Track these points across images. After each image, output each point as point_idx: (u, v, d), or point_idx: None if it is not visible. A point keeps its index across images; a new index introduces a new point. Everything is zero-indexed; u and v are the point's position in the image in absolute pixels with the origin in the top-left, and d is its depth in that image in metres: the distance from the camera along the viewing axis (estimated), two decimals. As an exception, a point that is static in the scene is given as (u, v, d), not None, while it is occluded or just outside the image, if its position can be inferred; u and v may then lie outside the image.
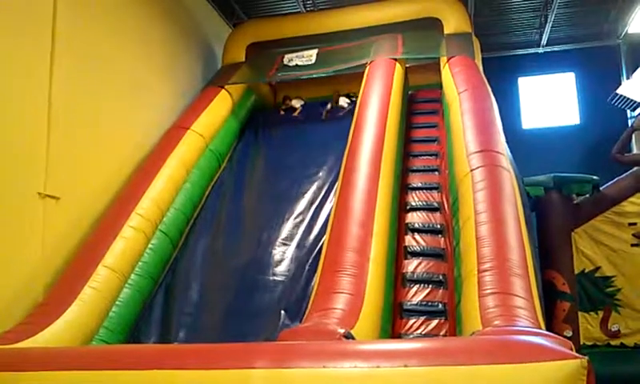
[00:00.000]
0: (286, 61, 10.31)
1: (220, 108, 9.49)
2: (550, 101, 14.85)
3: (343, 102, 10.54)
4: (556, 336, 3.56)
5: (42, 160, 6.50)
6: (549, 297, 9.03)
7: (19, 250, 6.14)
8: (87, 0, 7.55)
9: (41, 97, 6.60)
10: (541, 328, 4.70)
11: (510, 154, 7.53)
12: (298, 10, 12.16)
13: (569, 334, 9.15)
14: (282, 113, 10.78)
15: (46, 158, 6.54)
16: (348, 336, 4.42)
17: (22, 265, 6.16)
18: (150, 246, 7.17)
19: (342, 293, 5.39)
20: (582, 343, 9.19)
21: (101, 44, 7.79)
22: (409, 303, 6.56)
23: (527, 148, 12.45)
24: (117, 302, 6.48)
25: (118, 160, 7.95)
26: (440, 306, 6.47)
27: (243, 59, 10.80)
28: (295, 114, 10.55)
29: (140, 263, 6.96)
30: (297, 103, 10.73)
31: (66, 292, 6.09)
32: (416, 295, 6.62)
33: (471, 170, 6.71)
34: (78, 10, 7.30)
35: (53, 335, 5.49)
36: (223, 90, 9.78)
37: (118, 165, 7.93)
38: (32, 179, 6.37)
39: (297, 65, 10.19)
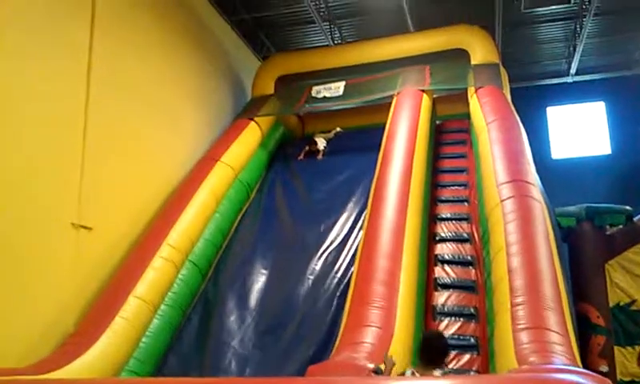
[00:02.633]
0: (314, 93, 10.42)
1: (249, 140, 9.60)
2: (580, 130, 14.67)
3: (321, 143, 10.48)
4: (594, 374, 3.46)
5: (75, 190, 6.62)
6: (583, 330, 8.78)
7: (52, 280, 6.23)
8: (122, 32, 7.76)
9: (75, 127, 6.75)
10: (577, 364, 4.59)
11: (540, 184, 7.44)
12: (326, 43, 12.31)
13: (605, 369, 8.88)
14: (302, 158, 10.46)
15: (79, 188, 6.67)
16: (377, 371, 4.36)
17: (54, 295, 6.24)
18: (179, 276, 7.22)
19: (371, 326, 5.34)
20: (618, 379, 8.90)
21: (134, 76, 7.97)
22: (439, 336, 6.45)
23: (557, 178, 12.28)
24: (147, 333, 6.51)
25: (149, 190, 8.07)
26: (472, 339, 6.37)
27: (272, 91, 10.95)
28: (319, 156, 10.35)
29: (170, 294, 7.00)
30: (320, 144, 10.50)
31: (97, 322, 6.14)
32: (447, 328, 6.53)
33: (501, 201, 6.64)
34: (112, 42, 7.49)
35: (83, 366, 5.53)
36: (252, 122, 9.91)
37: (149, 195, 8.04)
38: (65, 209, 6.49)
39: (325, 96, 10.28)
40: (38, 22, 6.31)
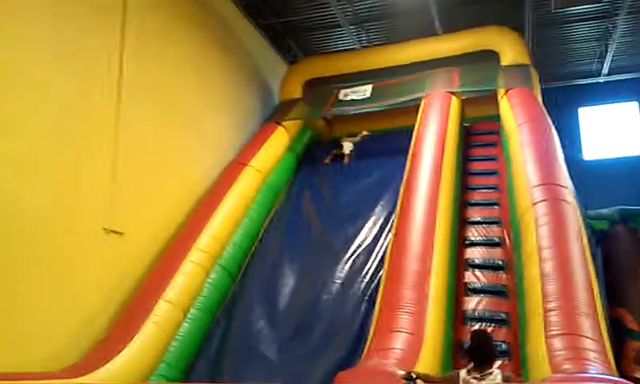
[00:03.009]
0: (341, 96, 10.42)
1: (277, 144, 9.64)
2: (613, 131, 14.37)
3: (347, 148, 10.50)
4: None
5: (107, 196, 6.73)
6: (617, 335, 8.59)
7: (83, 285, 6.32)
8: (151, 43, 7.87)
9: (106, 134, 6.86)
10: (612, 371, 4.49)
11: (572, 186, 7.30)
12: (354, 46, 12.28)
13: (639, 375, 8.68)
14: (328, 162, 10.52)
15: (111, 193, 6.77)
16: (408, 378, 4.31)
17: (86, 299, 6.34)
18: (209, 280, 7.28)
19: (400, 332, 5.30)
20: (654, 385, 8.69)
21: (163, 83, 8.08)
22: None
23: (589, 179, 11.98)
24: (177, 337, 6.57)
25: (179, 195, 8.15)
26: (503, 345, 6.25)
27: (300, 95, 10.99)
28: (344, 160, 10.35)
29: (200, 298, 7.06)
30: (347, 148, 10.54)
31: (127, 327, 6.21)
32: (478, 334, 6.40)
33: (533, 204, 6.53)
34: (143, 49, 7.60)
35: (114, 370, 5.60)
36: (280, 127, 9.95)
37: (179, 200, 8.12)
38: (98, 214, 6.58)
39: (352, 99, 10.27)
40: (71, 33, 6.44)
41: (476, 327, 6.55)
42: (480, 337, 4.74)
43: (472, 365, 4.37)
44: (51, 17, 6.17)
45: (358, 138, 10.76)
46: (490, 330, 6.41)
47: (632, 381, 7.98)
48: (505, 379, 4.28)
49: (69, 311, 6.07)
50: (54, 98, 6.14)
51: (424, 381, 4.37)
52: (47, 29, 6.12)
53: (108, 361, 5.64)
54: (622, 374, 4.93)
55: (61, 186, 6.12)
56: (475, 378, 4.24)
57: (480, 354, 4.41)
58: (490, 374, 4.26)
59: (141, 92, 7.47)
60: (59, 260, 5.99)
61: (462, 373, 4.38)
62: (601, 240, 9.28)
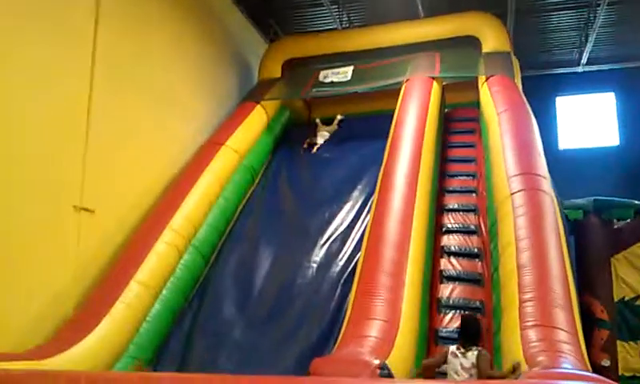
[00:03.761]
0: (321, 77, 10.27)
1: (255, 123, 9.48)
2: (589, 121, 14.49)
3: (321, 138, 10.30)
4: (605, 380, 3.36)
5: (78, 173, 6.54)
6: (586, 324, 8.70)
7: (52, 263, 6.16)
8: (126, 16, 7.62)
9: (79, 111, 6.66)
10: (585, 364, 4.51)
11: (549, 176, 7.31)
12: (335, 26, 12.11)
13: (607, 363, 8.83)
14: (305, 147, 10.26)
15: (82, 171, 6.58)
16: (383, 367, 4.28)
17: (54, 278, 6.18)
18: (182, 261, 7.15)
19: (376, 319, 5.25)
20: (620, 373, 8.85)
21: (139, 59, 7.85)
22: (444, 330, 6.38)
23: (563, 169, 12.08)
24: (147, 318, 6.44)
25: (152, 173, 7.97)
26: (477, 333, 6.24)
27: (279, 75, 10.79)
28: (314, 150, 10.11)
29: (172, 279, 6.93)
30: (320, 138, 10.31)
31: (97, 307, 6.07)
32: (452, 322, 6.42)
33: (512, 194, 6.52)
34: (117, 27, 7.36)
35: (83, 351, 5.47)
36: (259, 106, 9.78)
37: (152, 178, 7.94)
38: (68, 192, 6.40)
39: (332, 81, 10.13)
40: (41, 8, 6.20)
41: (450, 315, 6.57)
42: (468, 319, 5.28)
43: (460, 343, 4.98)
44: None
45: (334, 127, 10.55)
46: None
47: (599, 368, 8.16)
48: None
49: (36, 290, 5.91)
50: (23, 69, 5.91)
51: (423, 370, 5.19)
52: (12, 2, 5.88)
53: (77, 341, 5.51)
54: (590, 362, 4.97)
55: (30, 161, 5.92)
56: (461, 352, 4.86)
57: (466, 333, 4.98)
58: (472, 351, 4.84)
59: (116, 69, 7.26)
60: (27, 237, 5.81)
61: (452, 347, 4.98)
62: (574, 229, 9.38)
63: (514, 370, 4.48)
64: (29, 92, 5.96)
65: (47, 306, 6.01)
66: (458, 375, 4.75)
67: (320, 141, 10.22)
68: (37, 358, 5.00)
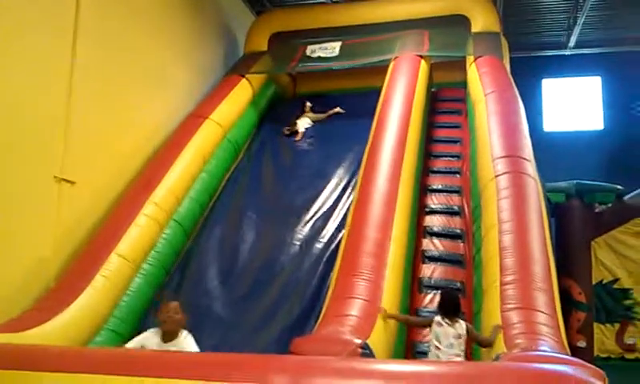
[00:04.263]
0: (308, 52, 10.14)
1: (240, 97, 9.35)
2: (574, 104, 14.54)
3: (302, 125, 9.76)
4: (586, 365, 3.39)
5: (59, 144, 6.42)
6: (564, 306, 8.81)
7: (32, 234, 6.07)
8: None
9: (61, 81, 6.51)
10: (564, 347, 4.56)
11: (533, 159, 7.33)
12: (323, 0, 11.94)
13: (583, 344, 9.00)
14: (286, 134, 9.80)
15: (63, 142, 6.46)
16: (364, 347, 4.29)
17: (34, 249, 6.09)
18: (163, 235, 7.07)
19: (357, 298, 5.25)
20: (595, 355, 9.01)
21: (122, 29, 7.67)
22: (425, 310, 6.41)
23: (548, 151, 12.10)
24: (127, 292, 6.37)
25: (134, 145, 7.85)
26: (458, 314, 6.28)
27: (265, 48, 10.65)
28: (297, 138, 9.64)
29: (153, 253, 6.86)
30: (301, 126, 9.79)
31: (77, 279, 5.99)
32: (432, 302, 6.44)
33: (496, 176, 6.52)
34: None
35: (62, 323, 5.40)
36: (244, 79, 9.64)
37: (134, 150, 7.83)
38: (49, 163, 6.30)
39: (319, 56, 10.01)
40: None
41: (431, 295, 6.61)
42: (449, 293, 5.40)
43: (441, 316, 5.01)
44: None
45: (324, 116, 10.15)
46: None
47: (575, 350, 8.29)
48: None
49: (16, 260, 5.83)
50: (3, 41, 5.74)
51: (401, 321, 5.46)
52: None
53: (56, 313, 5.43)
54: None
55: (10, 132, 5.79)
56: (447, 322, 4.90)
57: (448, 306, 4.98)
58: (458, 322, 4.92)
59: (99, 38, 7.09)
60: (6, 207, 5.71)
61: (437, 318, 4.97)
62: (556, 212, 9.46)
63: (495, 332, 4.78)
64: (8, 61, 5.79)
65: (28, 276, 5.94)
66: (442, 344, 4.82)
67: (301, 129, 9.76)
68: (14, 331, 4.94)
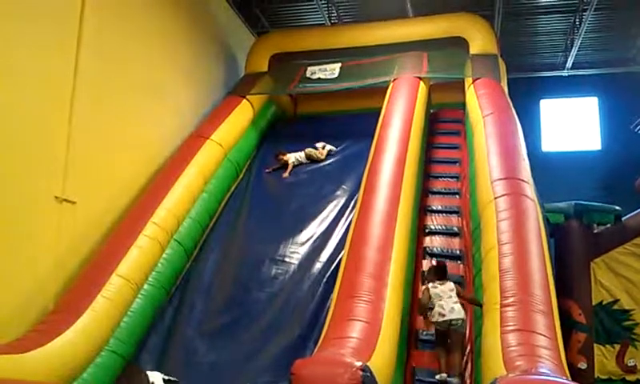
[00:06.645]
0: (308, 73, 10.22)
1: (241, 118, 9.42)
2: (572, 124, 14.64)
3: (292, 158, 9.26)
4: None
5: (60, 164, 6.45)
6: (564, 326, 8.78)
7: (32, 255, 6.07)
8: (113, 5, 7.53)
9: (63, 101, 6.56)
10: (564, 371, 4.56)
11: (532, 181, 7.37)
12: (323, 21, 12.08)
13: (583, 366, 8.94)
14: (270, 171, 9.34)
15: (64, 161, 6.50)
16: (364, 370, 4.28)
17: (35, 270, 6.09)
18: (164, 255, 7.08)
19: (357, 320, 5.25)
20: (596, 376, 8.97)
21: (125, 48, 7.75)
22: (425, 333, 6.41)
23: (546, 171, 12.20)
24: (128, 313, 6.37)
25: (136, 166, 7.89)
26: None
27: (266, 69, 10.74)
28: (285, 174, 9.19)
29: (154, 273, 6.87)
30: (291, 158, 9.29)
31: (77, 300, 5.99)
32: (433, 324, 6.42)
33: (495, 198, 6.55)
34: (104, 15, 7.26)
35: (62, 345, 5.40)
36: (245, 100, 9.72)
37: (135, 170, 7.87)
38: (50, 183, 6.32)
39: (319, 78, 10.10)
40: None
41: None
42: (438, 264, 6.56)
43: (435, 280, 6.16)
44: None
45: (319, 154, 9.50)
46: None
47: (576, 371, 8.25)
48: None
49: (16, 281, 5.83)
50: (6, 59, 5.78)
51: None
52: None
53: (56, 335, 5.43)
54: (567, 365, 5.03)
55: (11, 151, 5.81)
56: (439, 284, 6.07)
57: (439, 272, 6.26)
58: (447, 282, 6.11)
59: (100, 59, 7.15)
60: (7, 227, 5.72)
61: (429, 284, 6.11)
62: (555, 232, 9.46)
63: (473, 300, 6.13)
64: (9, 81, 5.83)
65: (28, 298, 5.93)
66: (444, 296, 5.93)
67: (291, 160, 9.28)
68: (16, 352, 4.94)
